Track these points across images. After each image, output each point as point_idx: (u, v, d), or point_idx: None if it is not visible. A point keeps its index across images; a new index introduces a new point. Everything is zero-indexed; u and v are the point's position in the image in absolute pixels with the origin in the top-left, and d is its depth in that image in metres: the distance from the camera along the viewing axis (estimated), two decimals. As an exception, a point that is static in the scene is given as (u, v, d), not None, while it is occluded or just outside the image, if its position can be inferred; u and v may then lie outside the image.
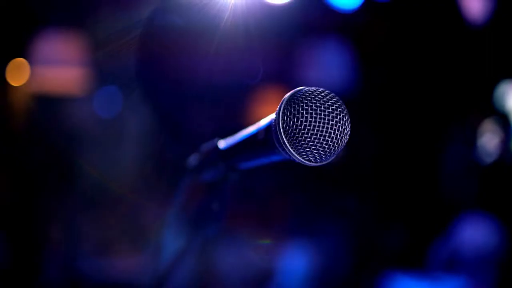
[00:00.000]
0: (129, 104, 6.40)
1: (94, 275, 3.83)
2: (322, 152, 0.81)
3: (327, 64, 4.08)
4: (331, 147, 0.81)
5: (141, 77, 5.74)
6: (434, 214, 3.99)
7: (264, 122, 0.87)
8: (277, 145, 0.81)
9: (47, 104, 5.75)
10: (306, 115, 0.80)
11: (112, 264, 3.87)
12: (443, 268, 3.37)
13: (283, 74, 5.08)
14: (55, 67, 4.04)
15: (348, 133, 0.83)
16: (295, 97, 0.81)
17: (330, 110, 0.81)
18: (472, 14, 3.76)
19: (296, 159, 0.82)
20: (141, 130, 5.63)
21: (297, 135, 0.80)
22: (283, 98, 0.81)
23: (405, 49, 4.39)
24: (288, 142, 0.80)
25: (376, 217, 4.47)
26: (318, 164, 0.83)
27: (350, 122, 0.84)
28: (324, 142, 0.80)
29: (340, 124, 0.82)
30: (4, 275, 3.73)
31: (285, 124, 0.80)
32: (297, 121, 0.80)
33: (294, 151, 0.81)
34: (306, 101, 0.81)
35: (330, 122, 0.80)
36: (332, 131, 0.81)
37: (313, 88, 0.83)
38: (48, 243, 4.15)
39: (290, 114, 0.80)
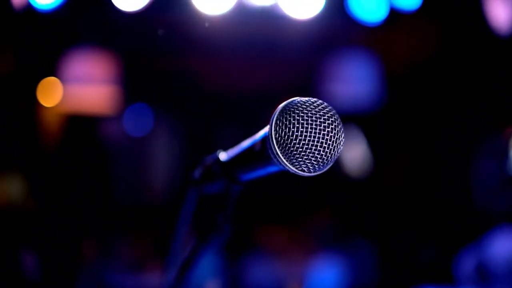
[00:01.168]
0: (160, 122, 6.49)
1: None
2: (315, 162, 0.82)
3: (353, 78, 4.07)
4: (323, 157, 0.82)
5: (172, 96, 5.84)
6: (465, 228, 3.92)
7: (260, 133, 0.89)
8: (271, 155, 0.82)
9: (79, 124, 5.88)
10: (298, 125, 0.81)
11: (144, 281, 3.89)
12: (473, 282, 3.29)
13: (309, 87, 5.10)
14: (86, 87, 4.12)
15: (342, 143, 0.84)
16: (288, 108, 0.82)
17: (322, 120, 0.82)
18: (499, 24, 3.71)
19: (290, 170, 0.82)
20: (171, 149, 5.70)
21: (289, 145, 0.81)
22: (276, 109, 0.83)
23: (433, 61, 4.35)
24: (281, 153, 0.81)
25: (406, 231, 4.41)
26: (312, 174, 0.83)
27: (343, 133, 0.84)
28: (317, 152, 0.81)
29: (332, 134, 0.82)
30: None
31: (277, 135, 0.81)
32: (288, 132, 0.81)
33: (287, 161, 0.82)
34: (297, 112, 0.82)
35: (322, 132, 0.81)
36: (324, 141, 0.81)
37: (305, 98, 0.84)
38: (82, 259, 4.21)
39: (282, 125, 0.81)
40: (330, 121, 0.82)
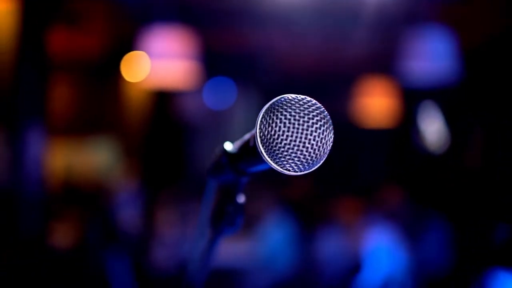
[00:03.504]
0: (241, 97, 6.60)
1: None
2: (299, 163, 0.80)
3: (431, 54, 3.95)
4: (308, 157, 0.80)
5: (255, 71, 5.90)
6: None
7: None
8: (259, 153, 0.80)
9: (161, 98, 6.09)
10: (280, 124, 0.79)
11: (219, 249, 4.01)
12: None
13: (388, 65, 5.00)
14: (168, 62, 4.24)
15: (329, 142, 0.81)
16: (273, 106, 0.81)
17: (306, 119, 0.80)
18: None
19: (276, 169, 0.81)
20: (251, 122, 5.78)
21: (272, 144, 0.79)
22: (264, 106, 0.81)
23: (510, 35, 4.15)
24: (265, 152, 0.80)
25: (480, 214, 4.28)
26: (298, 173, 0.81)
27: (331, 131, 0.82)
28: (300, 152, 0.80)
29: (316, 134, 0.80)
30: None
31: (261, 134, 0.80)
32: (271, 131, 0.79)
33: (272, 160, 0.80)
34: (281, 110, 0.80)
35: (305, 132, 0.79)
36: (307, 140, 0.79)
37: (292, 96, 0.82)
38: (159, 227, 4.38)
39: (266, 123, 0.80)
40: (315, 121, 0.80)
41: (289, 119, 0.80)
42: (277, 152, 0.79)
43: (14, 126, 3.74)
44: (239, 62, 5.54)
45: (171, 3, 4.15)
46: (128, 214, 4.40)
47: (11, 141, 3.71)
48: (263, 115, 0.80)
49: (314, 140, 0.80)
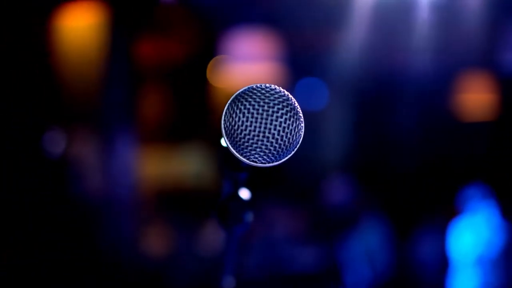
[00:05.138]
0: (334, 98, 6.44)
1: (288, 262, 3.92)
2: (263, 154, 0.76)
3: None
4: (270, 147, 0.76)
5: (345, 71, 5.74)
6: None
7: None
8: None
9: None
10: (240, 114, 0.76)
11: (303, 253, 3.92)
12: None
13: (487, 59, 4.69)
14: (253, 65, 4.21)
15: (295, 131, 0.77)
16: (236, 97, 0.78)
17: (266, 108, 0.76)
18: None
19: (243, 161, 0.77)
20: (343, 125, 5.61)
21: (234, 136, 0.76)
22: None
23: None
24: (230, 144, 0.77)
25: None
26: (267, 165, 0.77)
27: (297, 120, 0.77)
28: (261, 143, 0.76)
29: (277, 123, 0.75)
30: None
31: (225, 125, 0.77)
32: (232, 121, 0.76)
33: (237, 152, 0.77)
34: (242, 100, 0.76)
35: (264, 121, 0.75)
36: (267, 130, 0.75)
37: (257, 85, 0.78)
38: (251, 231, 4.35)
39: (228, 115, 0.77)
40: (276, 109, 0.76)
41: (248, 109, 0.76)
42: (239, 143, 0.76)
43: (105, 135, 3.81)
44: (328, 62, 5.41)
45: (255, 6, 4.10)
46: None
47: (102, 149, 3.78)
48: (227, 106, 0.77)
49: (275, 129, 0.76)
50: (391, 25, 4.44)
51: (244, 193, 1.02)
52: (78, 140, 3.85)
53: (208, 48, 4.82)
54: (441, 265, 3.87)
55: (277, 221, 4.26)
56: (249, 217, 1.02)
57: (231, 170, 0.93)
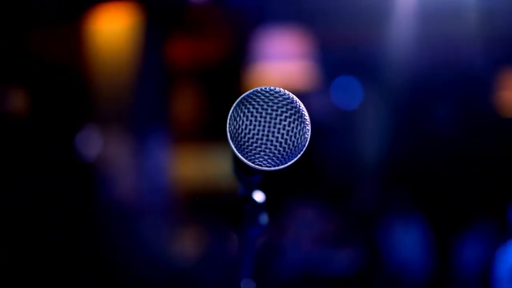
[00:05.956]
0: (369, 97, 6.34)
1: (322, 265, 3.88)
2: (268, 157, 0.76)
3: None
4: (275, 150, 0.76)
5: (382, 69, 5.65)
6: None
7: None
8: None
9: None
10: (243, 118, 0.76)
11: (337, 255, 3.87)
12: None
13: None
14: (287, 63, 4.18)
15: (301, 134, 0.76)
16: (241, 100, 0.78)
17: (269, 111, 0.75)
18: None
19: (248, 165, 0.78)
20: (379, 124, 5.52)
21: (238, 139, 0.77)
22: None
23: None
24: (235, 147, 0.78)
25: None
26: (273, 169, 0.78)
27: (302, 123, 0.76)
28: (265, 146, 0.76)
29: (281, 126, 0.75)
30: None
31: (230, 129, 0.78)
32: (236, 125, 0.77)
33: (242, 156, 0.78)
34: (246, 104, 0.77)
35: (268, 125, 0.75)
36: (271, 133, 0.75)
37: (262, 88, 0.78)
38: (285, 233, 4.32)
39: (233, 118, 0.78)
40: (280, 112, 0.76)
41: (252, 112, 0.77)
42: (244, 147, 0.77)
43: (138, 136, 3.82)
44: (364, 60, 5.33)
45: (288, 4, 4.06)
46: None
47: (135, 150, 3.79)
48: (232, 109, 0.78)
49: (278, 133, 0.76)
50: (435, 18, 4.35)
51: (259, 196, 1.03)
52: (112, 141, 3.87)
53: (241, 47, 4.80)
54: (481, 278, 3.76)
55: (311, 222, 4.22)
56: (264, 219, 1.03)
57: (243, 173, 0.93)
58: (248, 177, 0.94)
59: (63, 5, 3.85)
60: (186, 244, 4.00)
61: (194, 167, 5.38)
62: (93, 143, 3.69)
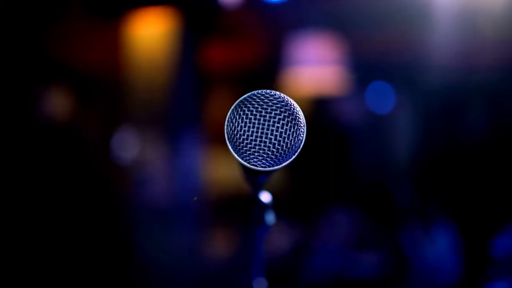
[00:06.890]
0: (401, 101, 6.29)
1: (352, 267, 3.89)
2: (262, 158, 0.80)
3: None
4: (269, 151, 0.79)
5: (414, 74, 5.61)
6: None
7: None
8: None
9: (317, 105, 6.01)
10: (239, 120, 0.80)
11: (361, 259, 3.87)
12: None
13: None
14: (320, 68, 4.19)
15: (295, 136, 0.79)
16: (238, 103, 0.82)
17: (263, 114, 0.79)
18: None
19: (244, 165, 0.81)
20: (412, 128, 5.49)
21: (234, 140, 0.81)
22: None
23: None
24: (232, 148, 0.82)
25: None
26: (268, 169, 0.81)
27: (297, 125, 0.80)
28: (259, 147, 0.79)
29: (275, 128, 0.78)
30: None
31: (227, 130, 0.82)
32: (232, 127, 0.81)
33: (238, 156, 0.81)
34: (242, 106, 0.80)
35: (262, 127, 0.79)
36: (264, 135, 0.79)
37: (259, 91, 0.82)
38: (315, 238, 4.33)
39: (230, 120, 0.82)
40: (273, 115, 0.79)
41: (247, 115, 0.80)
42: (239, 148, 0.81)
43: (173, 138, 3.88)
44: (396, 66, 5.30)
45: (323, 10, 4.07)
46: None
47: (169, 152, 3.86)
48: (230, 112, 0.82)
49: (272, 134, 0.79)
50: (472, 23, 4.30)
51: (265, 196, 1.07)
52: (148, 144, 3.94)
53: (275, 52, 4.83)
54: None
55: (343, 225, 4.22)
56: (271, 219, 1.07)
57: (249, 174, 0.95)
58: (253, 178, 0.98)
59: (102, 10, 3.94)
60: (218, 245, 4.05)
61: (227, 169, 5.44)
62: (130, 146, 3.77)
